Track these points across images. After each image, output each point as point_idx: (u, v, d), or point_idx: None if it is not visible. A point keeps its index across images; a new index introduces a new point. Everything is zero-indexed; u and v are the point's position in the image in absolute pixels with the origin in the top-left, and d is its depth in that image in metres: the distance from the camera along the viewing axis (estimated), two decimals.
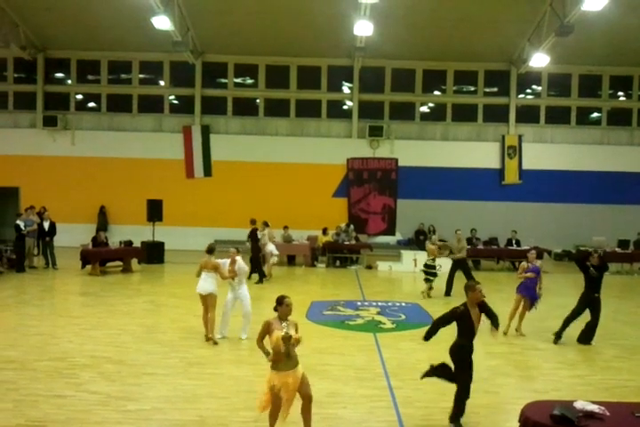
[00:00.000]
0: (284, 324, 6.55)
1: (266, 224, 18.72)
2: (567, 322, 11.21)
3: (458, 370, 7.28)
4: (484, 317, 7.49)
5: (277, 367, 6.44)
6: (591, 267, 11.22)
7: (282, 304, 6.61)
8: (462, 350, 7.24)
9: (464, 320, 7.24)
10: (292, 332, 6.52)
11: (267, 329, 6.54)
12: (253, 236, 17.92)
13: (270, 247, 18.47)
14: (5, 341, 10.46)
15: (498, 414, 7.67)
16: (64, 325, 11.81)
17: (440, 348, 10.61)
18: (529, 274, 11.73)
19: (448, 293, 16.12)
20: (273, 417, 6.55)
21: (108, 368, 9.03)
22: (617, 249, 21.71)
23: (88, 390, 8.05)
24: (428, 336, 7.57)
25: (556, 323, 11.53)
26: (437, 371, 7.50)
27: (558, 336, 11.21)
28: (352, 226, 22.82)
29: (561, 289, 17.07)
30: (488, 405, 7.91)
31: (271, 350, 6.51)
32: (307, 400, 6.60)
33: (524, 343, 11.16)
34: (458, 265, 16.46)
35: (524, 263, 12.05)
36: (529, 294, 11.69)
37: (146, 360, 9.52)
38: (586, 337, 11.20)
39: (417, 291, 17.92)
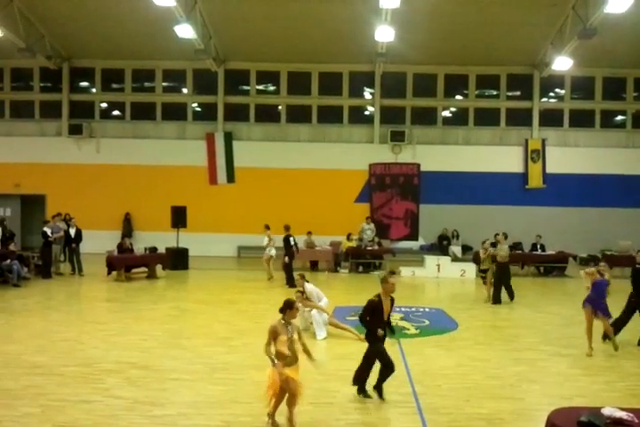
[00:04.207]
0: (289, 328, 6.88)
1: (267, 227, 19.30)
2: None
3: (371, 350, 8.09)
4: None
5: (288, 364, 6.81)
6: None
7: (292, 308, 6.95)
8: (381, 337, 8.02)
9: (377, 310, 8.02)
10: (296, 336, 6.94)
11: (274, 334, 6.82)
12: (287, 242, 18.21)
13: (272, 251, 19.14)
14: (33, 346, 10.59)
15: (524, 421, 7.60)
16: (90, 330, 11.93)
17: (463, 354, 10.63)
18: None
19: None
20: (275, 407, 7.05)
21: (134, 374, 9.10)
22: None
23: (114, 396, 8.12)
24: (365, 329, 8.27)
25: (582, 329, 11.42)
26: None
27: None
28: (372, 223, 22.99)
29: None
30: (514, 411, 7.85)
31: (279, 353, 6.81)
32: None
33: (549, 349, 11.03)
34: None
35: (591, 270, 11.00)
36: (597, 307, 10.80)
37: (171, 366, 9.58)
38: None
39: (441, 296, 17.89)
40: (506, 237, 16.05)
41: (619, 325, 11.38)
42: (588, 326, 10.76)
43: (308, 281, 12.12)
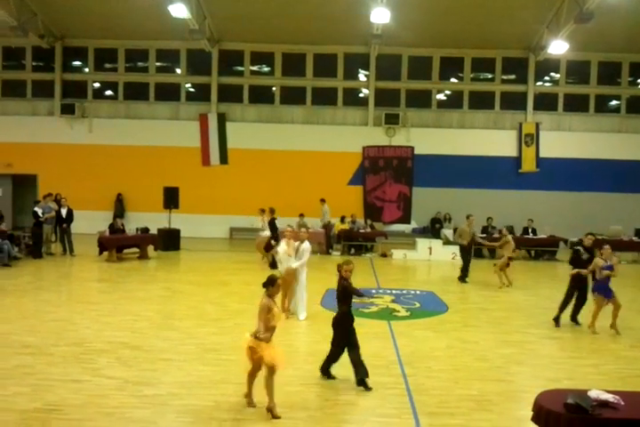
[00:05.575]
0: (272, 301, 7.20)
1: (262, 211, 19.33)
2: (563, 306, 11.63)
3: (337, 335, 8.21)
4: None
5: (269, 340, 7.03)
6: (582, 248, 11.54)
7: (274, 285, 7.22)
8: (347, 318, 8.21)
9: (349, 291, 8.27)
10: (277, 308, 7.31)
11: (269, 311, 7.04)
12: (272, 225, 18.17)
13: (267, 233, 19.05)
14: (23, 326, 10.59)
15: (511, 402, 7.67)
16: (81, 311, 11.93)
17: (453, 337, 10.70)
18: (606, 272, 10.84)
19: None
20: (252, 377, 7.21)
21: (125, 354, 9.12)
22: (634, 238, 21.57)
23: (105, 375, 8.14)
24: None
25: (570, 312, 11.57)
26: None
27: (556, 320, 11.57)
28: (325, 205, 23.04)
29: None
30: (502, 393, 7.92)
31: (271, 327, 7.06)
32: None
33: (538, 332, 11.12)
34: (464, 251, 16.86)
35: (598, 260, 11.06)
36: (604, 293, 10.96)
37: (162, 346, 9.61)
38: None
39: (432, 279, 17.96)
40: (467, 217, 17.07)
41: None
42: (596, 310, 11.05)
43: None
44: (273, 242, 18.06)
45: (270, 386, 7.01)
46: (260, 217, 19.48)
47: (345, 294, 8.27)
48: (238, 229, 24.92)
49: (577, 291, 11.52)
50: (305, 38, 24.66)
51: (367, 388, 7.86)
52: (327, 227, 22.26)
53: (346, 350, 8.14)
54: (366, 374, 7.92)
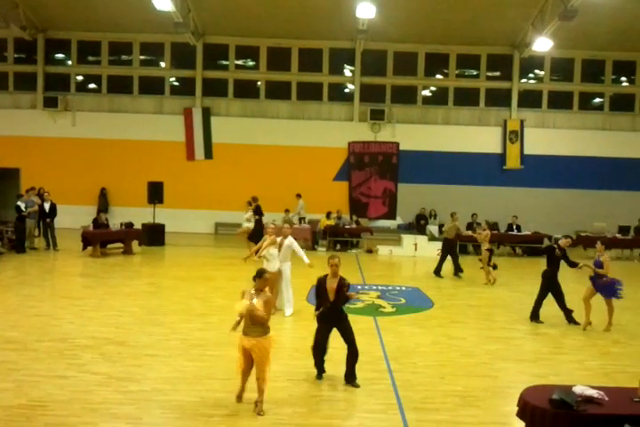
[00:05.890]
0: (254, 295, 7.09)
1: (250, 203, 19.54)
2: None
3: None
4: None
5: (245, 333, 7.04)
6: (557, 247, 11.75)
7: (261, 278, 7.17)
8: (323, 317, 8.10)
9: (320, 288, 8.07)
10: (260, 303, 7.01)
11: (241, 295, 7.20)
12: (258, 211, 18.29)
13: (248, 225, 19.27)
14: (6, 322, 10.49)
15: (497, 398, 7.71)
16: (65, 306, 11.84)
17: (439, 332, 10.75)
18: (600, 270, 11.00)
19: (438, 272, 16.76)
20: (245, 376, 7.20)
21: (109, 349, 9.07)
22: (617, 235, 21.74)
23: (89, 371, 8.10)
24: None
25: (555, 308, 11.64)
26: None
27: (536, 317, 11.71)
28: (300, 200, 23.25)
29: (563, 274, 17.04)
30: (487, 388, 7.97)
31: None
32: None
33: (523, 328, 11.21)
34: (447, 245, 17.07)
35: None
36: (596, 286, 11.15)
37: (147, 342, 9.56)
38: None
39: (417, 275, 18.02)
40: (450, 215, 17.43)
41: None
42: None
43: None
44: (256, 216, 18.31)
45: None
46: (247, 209, 19.60)
47: (318, 294, 8.21)
48: (223, 224, 24.83)
49: (551, 290, 11.66)
50: (290, 33, 24.54)
51: (355, 385, 7.88)
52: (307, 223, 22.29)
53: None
54: (354, 379, 7.95)
